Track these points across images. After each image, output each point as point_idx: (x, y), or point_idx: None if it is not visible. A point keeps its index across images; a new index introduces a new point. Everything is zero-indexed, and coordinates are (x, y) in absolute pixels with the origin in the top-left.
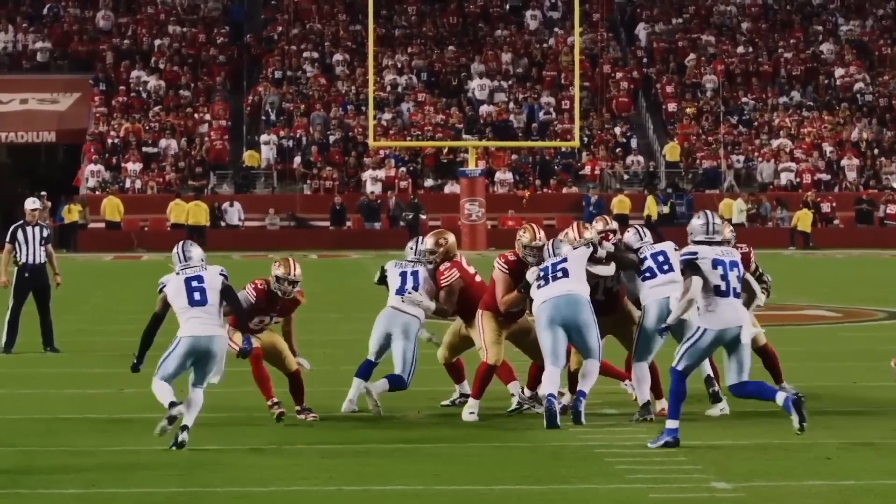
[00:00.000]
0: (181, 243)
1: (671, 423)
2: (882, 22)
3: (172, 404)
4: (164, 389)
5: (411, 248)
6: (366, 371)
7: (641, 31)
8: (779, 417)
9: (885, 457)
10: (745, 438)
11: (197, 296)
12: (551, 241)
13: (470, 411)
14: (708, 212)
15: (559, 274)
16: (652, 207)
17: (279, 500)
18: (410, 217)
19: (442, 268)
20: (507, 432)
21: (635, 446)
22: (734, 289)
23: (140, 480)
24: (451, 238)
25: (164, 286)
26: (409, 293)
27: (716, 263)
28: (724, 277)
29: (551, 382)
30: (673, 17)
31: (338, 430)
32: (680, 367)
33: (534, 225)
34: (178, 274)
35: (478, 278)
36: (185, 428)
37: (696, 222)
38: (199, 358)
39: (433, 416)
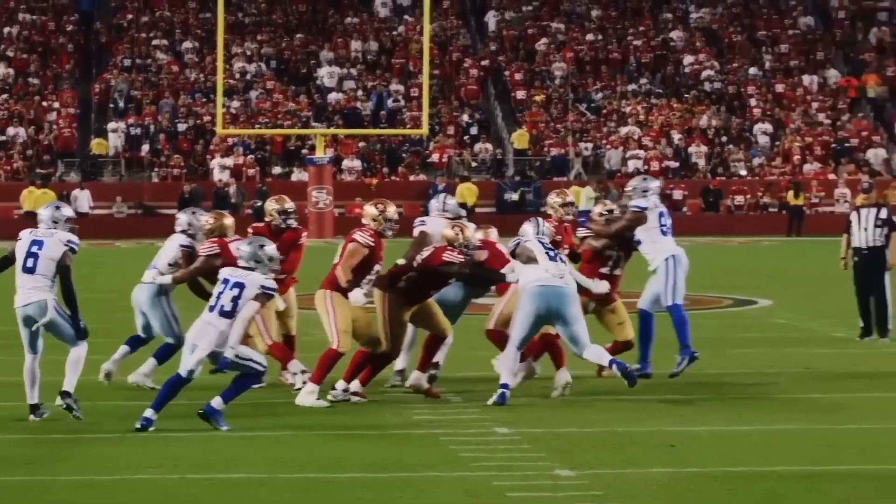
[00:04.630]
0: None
1: None
2: (732, 10)
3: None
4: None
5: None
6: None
7: (491, 18)
8: (624, 403)
9: (730, 444)
10: (589, 426)
11: (29, 262)
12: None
13: (310, 394)
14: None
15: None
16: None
17: (123, 489)
18: (259, 205)
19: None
20: (351, 418)
21: (480, 433)
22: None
23: None
24: (226, 220)
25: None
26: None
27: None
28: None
29: (509, 370)
30: (523, 4)
31: (182, 417)
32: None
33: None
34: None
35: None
36: (64, 394)
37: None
38: (33, 328)
39: (278, 403)
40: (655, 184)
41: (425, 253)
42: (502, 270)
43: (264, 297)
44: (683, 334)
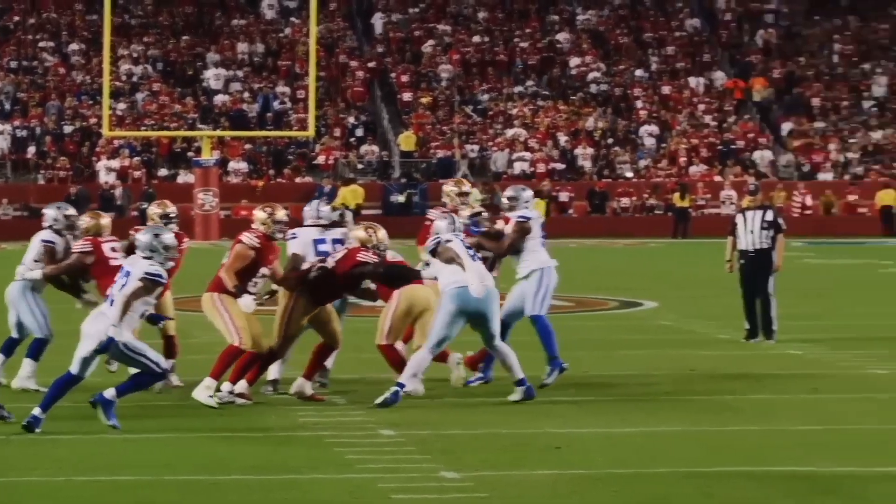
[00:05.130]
0: None
1: None
2: (618, 12)
3: None
4: None
5: None
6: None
7: (377, 20)
8: (510, 406)
9: (615, 445)
10: (475, 428)
11: None
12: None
13: (206, 388)
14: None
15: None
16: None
17: (8, 491)
18: (144, 207)
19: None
20: (237, 421)
21: (365, 435)
22: None
23: None
24: (102, 220)
25: None
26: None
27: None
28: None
29: (413, 370)
30: (409, 6)
31: (69, 420)
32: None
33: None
34: None
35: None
36: None
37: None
38: None
39: (164, 405)
40: (531, 192)
41: (339, 254)
42: (417, 268)
43: (149, 283)
44: (550, 345)
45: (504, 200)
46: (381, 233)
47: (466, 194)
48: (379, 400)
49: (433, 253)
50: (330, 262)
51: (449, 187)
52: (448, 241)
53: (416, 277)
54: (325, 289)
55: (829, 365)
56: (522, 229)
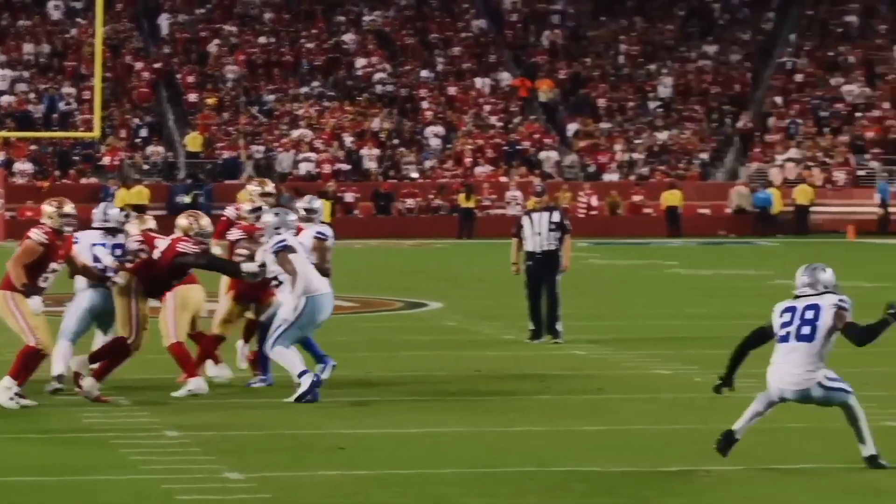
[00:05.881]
0: None
1: None
2: (404, 12)
3: None
4: None
5: None
6: None
7: (164, 20)
8: (294, 406)
9: (399, 446)
10: (259, 428)
11: None
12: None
13: (7, 389)
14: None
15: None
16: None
17: None
18: None
19: None
20: (21, 422)
21: (150, 437)
22: None
23: None
24: None
25: None
26: None
27: None
28: None
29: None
30: (195, 6)
31: None
32: None
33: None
34: None
35: None
36: None
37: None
38: None
39: None
40: None
41: (162, 245)
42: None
43: None
44: (313, 348)
45: (301, 211)
46: (204, 220)
47: (270, 195)
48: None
49: (276, 254)
50: (156, 254)
51: (253, 187)
52: (288, 243)
53: (236, 272)
54: (154, 281)
55: (613, 365)
56: (323, 246)
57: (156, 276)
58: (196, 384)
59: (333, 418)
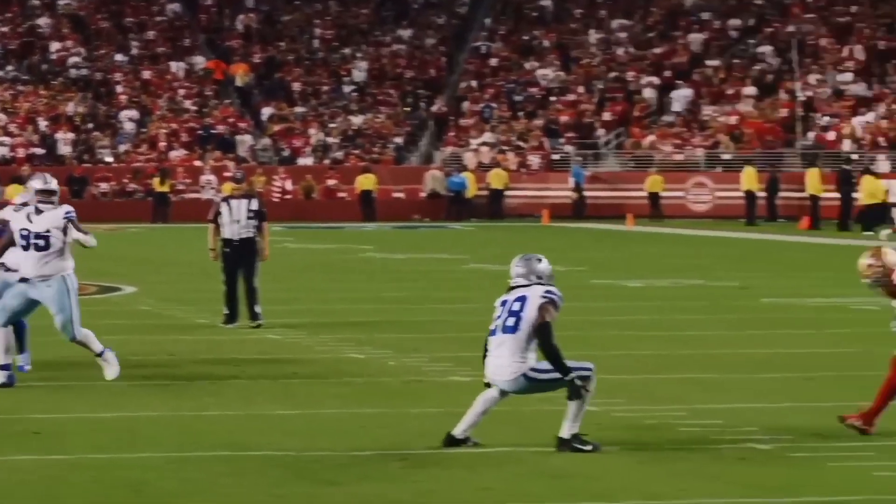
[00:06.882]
0: None
1: None
2: None
3: None
4: None
5: None
6: None
7: None
8: None
9: (95, 431)
10: None
11: None
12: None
13: None
14: None
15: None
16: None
17: None
18: None
19: None
20: None
21: None
22: None
23: None
24: None
25: None
26: None
27: None
28: None
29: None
30: None
31: None
32: None
33: None
34: None
35: None
36: None
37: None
38: None
39: None
40: None
41: None
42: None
43: None
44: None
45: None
46: None
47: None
48: None
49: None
50: None
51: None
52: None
53: None
54: None
55: (307, 349)
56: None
57: None
58: None
59: (29, 402)
